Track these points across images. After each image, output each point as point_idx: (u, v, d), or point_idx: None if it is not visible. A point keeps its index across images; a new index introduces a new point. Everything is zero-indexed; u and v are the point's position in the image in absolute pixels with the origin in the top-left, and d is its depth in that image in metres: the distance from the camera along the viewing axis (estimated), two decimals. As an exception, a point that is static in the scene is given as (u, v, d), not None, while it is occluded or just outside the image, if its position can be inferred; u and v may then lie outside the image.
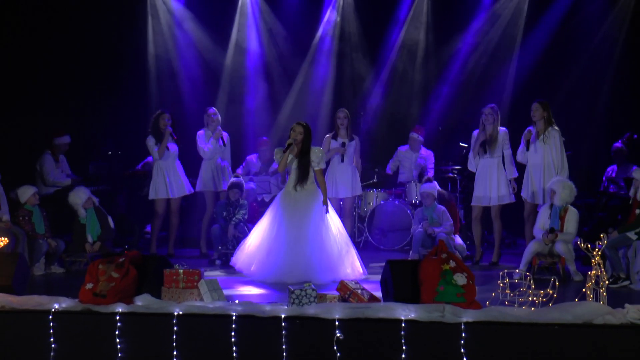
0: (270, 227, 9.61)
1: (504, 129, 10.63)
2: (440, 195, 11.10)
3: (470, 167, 10.79)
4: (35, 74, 11.75)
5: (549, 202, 9.93)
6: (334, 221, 9.74)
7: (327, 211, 9.60)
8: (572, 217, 9.76)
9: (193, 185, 11.62)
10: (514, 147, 10.59)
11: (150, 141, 11.04)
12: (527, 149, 10.31)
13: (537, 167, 10.32)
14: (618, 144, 11.89)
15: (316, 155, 9.63)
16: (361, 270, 9.62)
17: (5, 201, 10.22)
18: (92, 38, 12.42)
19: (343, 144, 10.90)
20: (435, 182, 11.42)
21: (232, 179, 11.22)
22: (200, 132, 11.45)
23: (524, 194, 10.48)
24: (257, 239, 9.69)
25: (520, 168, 10.65)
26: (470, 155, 10.71)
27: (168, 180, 11.08)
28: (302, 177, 9.60)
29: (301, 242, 9.42)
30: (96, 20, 12.41)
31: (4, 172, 10.27)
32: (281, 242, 9.46)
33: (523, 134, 10.42)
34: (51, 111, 11.89)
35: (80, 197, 10.50)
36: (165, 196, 11.09)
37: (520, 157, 10.49)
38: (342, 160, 10.96)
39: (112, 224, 10.63)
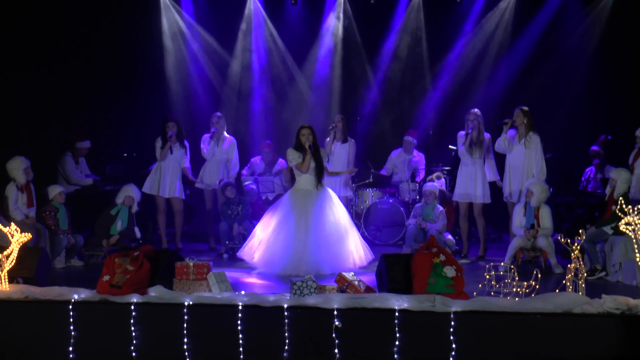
0: (285, 223, 9.51)
1: (488, 135, 10.63)
2: (442, 194, 11.12)
3: (461, 155, 10.71)
4: (58, 83, 11.75)
5: (523, 202, 9.91)
6: (343, 214, 9.74)
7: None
8: (545, 213, 9.77)
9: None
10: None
11: (158, 142, 11.13)
12: (505, 133, 10.29)
13: (518, 169, 10.30)
14: (595, 147, 11.87)
15: (324, 154, 9.84)
16: (364, 257, 9.64)
17: (35, 198, 10.23)
18: (109, 51, 12.42)
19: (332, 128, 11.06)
20: (442, 180, 11.41)
21: (223, 181, 11.25)
22: (205, 136, 11.51)
23: (505, 191, 10.45)
24: (268, 234, 9.60)
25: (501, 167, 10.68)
26: (461, 147, 10.63)
27: (162, 180, 11.10)
28: (321, 175, 9.69)
29: (324, 238, 9.39)
30: (111, 35, 12.40)
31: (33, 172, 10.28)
32: (306, 239, 9.36)
33: (502, 121, 10.42)
34: (73, 116, 11.90)
35: (133, 194, 10.63)
36: (155, 193, 11.12)
37: (497, 145, 10.46)
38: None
39: (138, 234, 10.67)
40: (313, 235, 9.38)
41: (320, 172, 9.69)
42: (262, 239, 9.67)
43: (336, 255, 9.42)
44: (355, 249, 9.64)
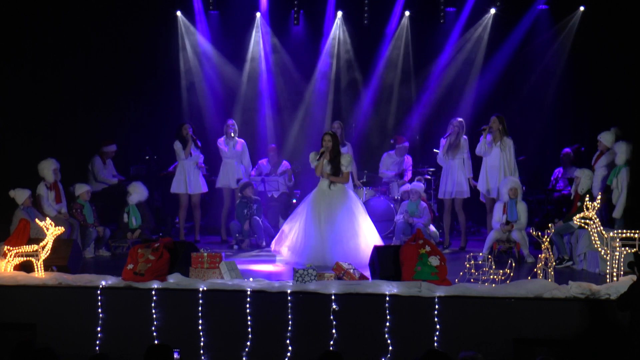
0: (307, 219, 9.36)
1: (464, 137, 10.66)
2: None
3: (440, 161, 10.82)
4: (86, 92, 11.73)
5: (502, 200, 9.88)
6: (359, 212, 9.57)
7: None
8: (522, 209, 9.77)
9: (213, 182, 11.64)
10: (473, 148, 10.63)
11: (177, 145, 11.08)
12: (485, 138, 10.31)
13: (494, 168, 10.31)
14: (567, 150, 11.85)
15: (345, 159, 9.55)
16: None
17: (64, 196, 10.24)
18: (132, 62, 12.38)
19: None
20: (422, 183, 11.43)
21: (243, 180, 11.23)
22: (220, 139, 11.50)
23: (481, 188, 10.47)
24: (294, 228, 9.47)
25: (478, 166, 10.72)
26: (440, 153, 10.73)
27: (188, 179, 11.09)
28: (336, 177, 9.48)
29: (336, 234, 9.25)
30: (133, 47, 12.35)
31: (62, 172, 10.27)
32: (318, 235, 9.23)
33: (481, 127, 10.45)
34: (101, 122, 11.86)
35: (137, 191, 10.55)
36: (184, 191, 11.09)
37: (478, 149, 10.48)
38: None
39: (152, 222, 10.70)
40: (330, 231, 9.21)
41: (335, 174, 9.46)
42: (287, 233, 9.53)
43: (350, 249, 9.21)
44: (370, 244, 9.34)
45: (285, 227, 9.64)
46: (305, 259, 9.01)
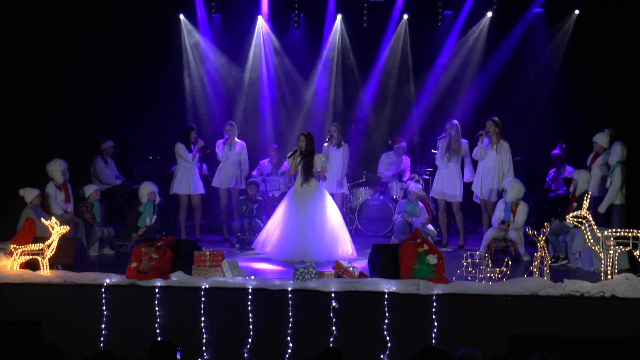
0: (283, 217, 9.65)
1: (465, 141, 10.66)
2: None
3: (437, 162, 10.79)
4: (89, 93, 11.71)
5: (504, 198, 9.92)
6: (333, 211, 9.74)
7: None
8: (522, 210, 9.77)
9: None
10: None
11: (180, 147, 11.03)
12: (482, 143, 10.31)
13: (490, 170, 10.34)
14: (557, 151, 11.89)
15: (319, 160, 9.74)
16: (350, 252, 9.55)
17: (72, 196, 10.23)
18: (135, 64, 12.37)
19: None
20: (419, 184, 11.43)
21: (251, 179, 11.25)
22: (219, 141, 11.50)
23: (475, 190, 10.49)
24: (273, 226, 9.71)
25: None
26: (438, 154, 10.74)
27: (191, 180, 11.09)
28: (307, 177, 9.67)
29: (306, 229, 9.43)
30: (137, 48, 12.33)
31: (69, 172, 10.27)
32: (292, 229, 9.48)
33: (478, 133, 10.46)
34: (104, 123, 11.84)
35: (154, 188, 10.56)
36: (186, 192, 11.08)
37: (475, 153, 10.50)
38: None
39: (159, 222, 10.70)
40: (310, 228, 9.41)
41: (306, 174, 9.63)
42: (270, 230, 9.73)
43: (329, 244, 9.42)
44: (343, 243, 9.59)
45: (269, 224, 9.84)
46: (285, 254, 9.28)
